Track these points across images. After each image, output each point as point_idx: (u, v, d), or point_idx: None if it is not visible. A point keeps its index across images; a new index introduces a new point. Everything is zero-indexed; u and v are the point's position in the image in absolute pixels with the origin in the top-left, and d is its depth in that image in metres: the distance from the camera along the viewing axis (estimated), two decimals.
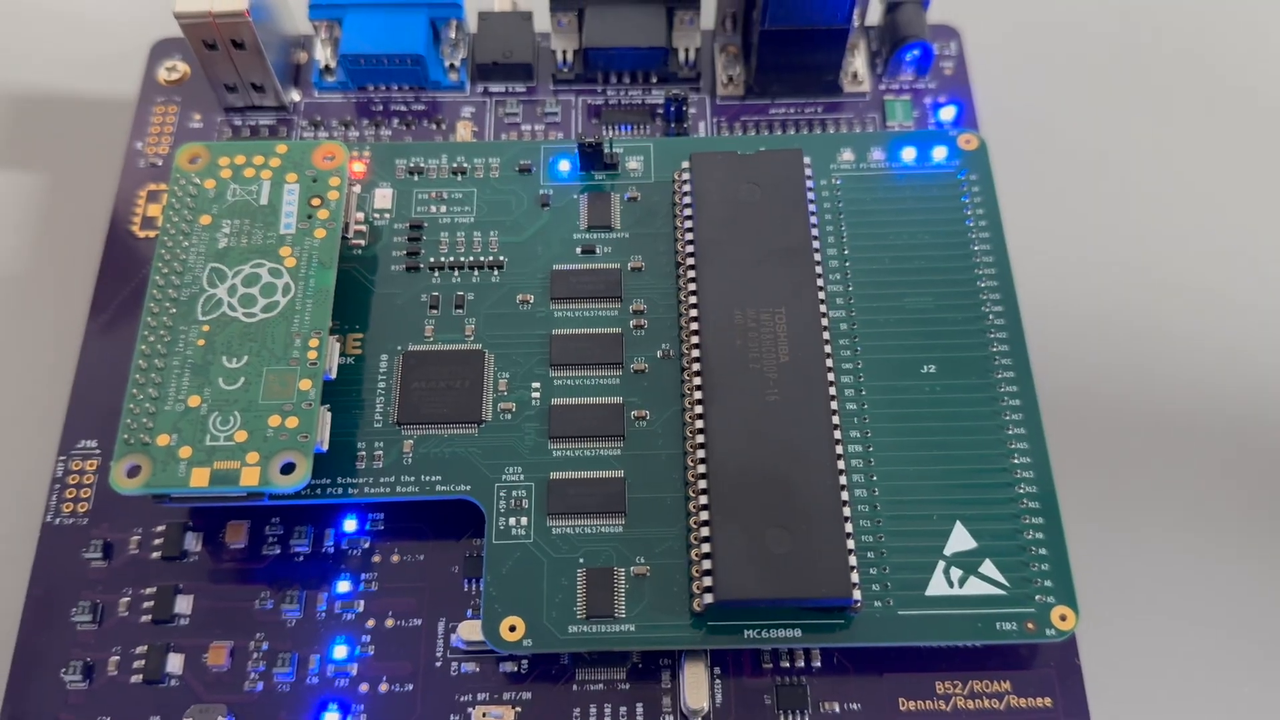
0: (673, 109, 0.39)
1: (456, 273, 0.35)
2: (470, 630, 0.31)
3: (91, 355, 0.36)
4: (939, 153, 0.37)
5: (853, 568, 0.30)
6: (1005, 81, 0.42)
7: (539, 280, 0.35)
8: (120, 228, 0.38)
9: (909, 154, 0.37)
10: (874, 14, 0.41)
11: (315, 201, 0.34)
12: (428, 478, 0.32)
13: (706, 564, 0.30)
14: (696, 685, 0.31)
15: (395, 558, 0.33)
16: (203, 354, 0.32)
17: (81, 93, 0.43)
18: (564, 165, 0.37)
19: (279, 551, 0.33)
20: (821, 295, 0.33)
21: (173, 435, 0.31)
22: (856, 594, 0.30)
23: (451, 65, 0.40)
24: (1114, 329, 0.38)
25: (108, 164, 0.40)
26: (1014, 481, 0.32)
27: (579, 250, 0.36)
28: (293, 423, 0.31)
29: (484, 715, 0.31)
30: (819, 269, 0.34)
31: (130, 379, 0.31)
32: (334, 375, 0.32)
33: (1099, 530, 0.34)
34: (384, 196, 0.36)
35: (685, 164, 0.36)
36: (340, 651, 0.31)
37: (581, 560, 0.31)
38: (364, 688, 0.31)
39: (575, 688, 0.31)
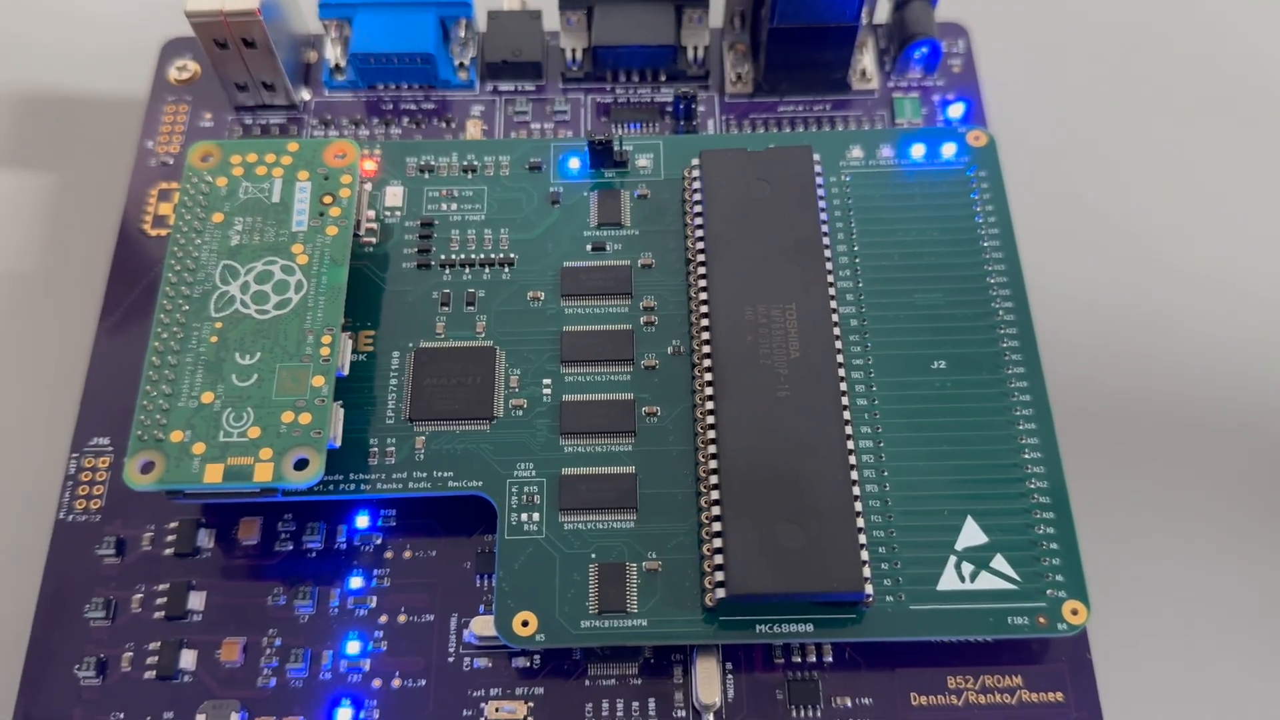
0: (682, 107, 0.39)
1: (467, 270, 0.35)
2: (483, 625, 0.31)
3: (103, 353, 0.36)
4: (948, 149, 0.37)
5: (864, 562, 0.30)
6: (1013, 79, 0.42)
7: (549, 277, 0.35)
8: (131, 226, 0.38)
9: (918, 151, 0.37)
10: (882, 11, 0.41)
11: (327, 199, 0.34)
12: (440, 474, 0.32)
13: (718, 559, 0.30)
14: (708, 680, 0.31)
15: (408, 553, 0.33)
16: (216, 350, 0.32)
17: (92, 92, 0.43)
18: (574, 163, 0.37)
19: (291, 548, 0.33)
20: (831, 291, 0.33)
21: (186, 431, 0.31)
22: (868, 588, 0.30)
23: (461, 64, 0.40)
24: (1124, 324, 0.38)
25: (119, 163, 0.40)
26: (1025, 476, 0.32)
27: (589, 247, 0.36)
28: (306, 419, 0.31)
29: (497, 710, 0.31)
30: (829, 265, 0.34)
31: (143, 375, 0.31)
32: (346, 372, 0.32)
33: (1110, 524, 0.34)
34: (395, 194, 0.37)
35: (695, 161, 0.36)
36: (353, 647, 0.32)
37: (593, 555, 0.31)
38: (377, 683, 0.31)
39: (588, 682, 0.31)
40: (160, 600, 0.32)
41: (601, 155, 0.37)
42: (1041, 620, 0.30)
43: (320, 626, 0.32)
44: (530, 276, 0.35)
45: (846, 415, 0.32)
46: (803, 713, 0.31)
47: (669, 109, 0.40)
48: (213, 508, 0.33)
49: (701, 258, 0.34)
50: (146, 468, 0.30)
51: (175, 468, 0.30)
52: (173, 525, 0.33)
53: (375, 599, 0.32)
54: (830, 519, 0.30)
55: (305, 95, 0.40)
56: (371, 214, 0.36)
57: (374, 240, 0.36)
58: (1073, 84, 0.43)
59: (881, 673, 0.31)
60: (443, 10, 0.39)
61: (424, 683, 0.31)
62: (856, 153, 0.37)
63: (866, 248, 0.35)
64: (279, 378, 0.31)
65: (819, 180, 0.35)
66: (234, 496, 0.31)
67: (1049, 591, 0.31)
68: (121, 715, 0.31)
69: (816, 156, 0.36)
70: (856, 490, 0.31)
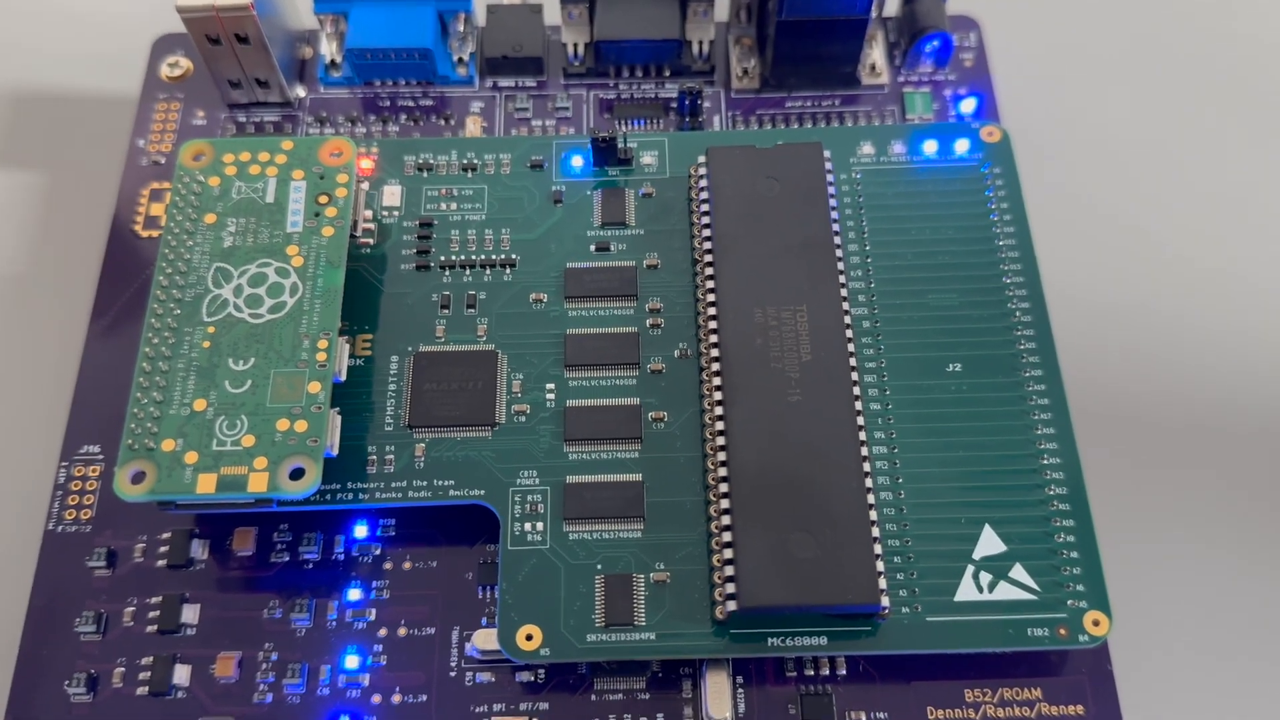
0: (687, 103, 0.38)
1: (468, 271, 0.34)
2: (486, 639, 0.30)
3: (93, 358, 0.35)
4: (961, 145, 0.36)
5: (880, 573, 0.29)
6: (1026, 73, 0.41)
7: (552, 279, 0.34)
8: (122, 227, 0.37)
9: (930, 147, 0.36)
10: (892, 5, 0.40)
11: (323, 199, 0.33)
12: (440, 482, 0.31)
13: (729, 570, 0.29)
14: (718, 694, 0.30)
15: (407, 564, 0.32)
16: (208, 356, 0.31)
17: (82, 90, 0.42)
18: (577, 161, 0.36)
19: (288, 559, 0.32)
20: (843, 292, 0.32)
21: (178, 440, 0.30)
22: (884, 600, 0.29)
23: (460, 59, 0.39)
24: (1144, 325, 0.37)
25: (109, 162, 0.39)
26: (1044, 483, 0.31)
27: (593, 248, 0.35)
28: (301, 426, 0.30)
29: None
30: (840, 265, 0.33)
31: (134, 382, 0.30)
32: (343, 377, 0.31)
33: (1132, 531, 0.34)
34: (392, 194, 0.36)
35: (701, 158, 0.35)
36: (352, 661, 0.31)
37: (599, 566, 0.30)
38: (376, 699, 0.30)
39: (594, 697, 0.30)
40: (153, 613, 0.31)
41: (605, 153, 0.36)
42: (1062, 631, 0.29)
43: (318, 640, 0.31)
44: (532, 278, 0.34)
45: (860, 420, 0.31)
46: None
47: (673, 105, 0.39)
48: (206, 518, 0.32)
49: (709, 258, 0.33)
50: (137, 478, 0.29)
51: (167, 478, 0.29)
52: (165, 536, 0.32)
53: (374, 611, 0.31)
54: (844, 528, 0.29)
55: (300, 92, 0.39)
56: (368, 214, 0.35)
57: (371, 241, 0.35)
58: (1086, 77, 0.42)
59: (897, 686, 0.30)
60: (441, 4, 0.38)
61: (425, 698, 0.30)
62: (867, 149, 0.36)
63: (878, 247, 0.34)
64: (274, 384, 0.31)
65: (829, 178, 0.34)
66: (228, 507, 0.30)
67: (1070, 602, 0.30)
68: None
69: (827, 153, 0.35)
70: (871, 498, 0.30)
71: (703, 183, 0.34)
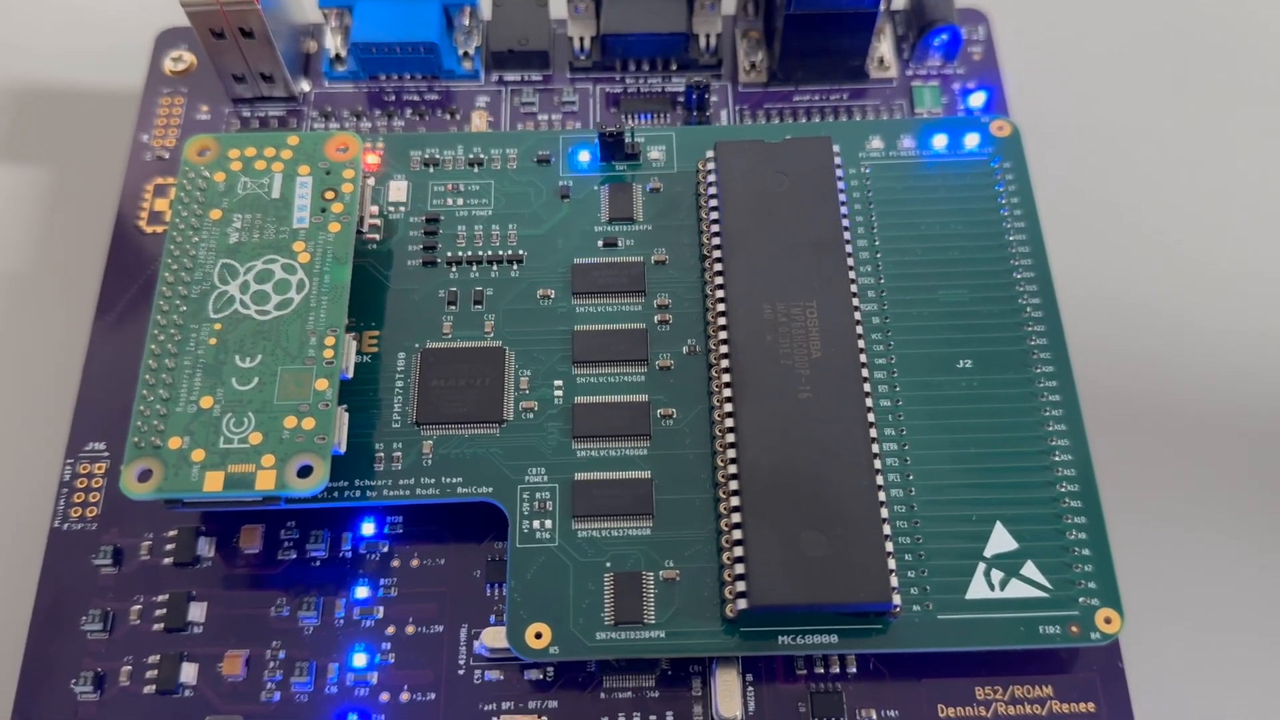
0: (694, 97, 0.38)
1: (475, 267, 0.34)
2: (494, 637, 0.30)
3: (98, 355, 0.35)
4: (971, 140, 0.36)
5: (891, 571, 0.29)
6: (1035, 66, 0.41)
7: (560, 274, 0.34)
8: (126, 223, 0.37)
9: (940, 141, 0.36)
10: None
11: (329, 195, 0.33)
12: (448, 479, 0.31)
13: (739, 568, 0.29)
14: (728, 692, 0.30)
15: (415, 561, 0.32)
16: (215, 353, 0.31)
17: (85, 84, 0.41)
18: (584, 156, 0.36)
19: (295, 556, 0.32)
20: (853, 288, 0.32)
21: (185, 438, 0.30)
22: (896, 599, 0.29)
23: (465, 53, 0.39)
24: (1156, 320, 0.37)
25: (113, 157, 0.39)
26: (1055, 480, 0.31)
27: (600, 243, 0.34)
28: (309, 424, 0.30)
29: None
30: (850, 261, 0.33)
31: (140, 379, 0.30)
32: (350, 374, 0.31)
33: (1144, 528, 0.33)
34: (399, 189, 0.35)
35: (710, 153, 0.35)
36: (360, 660, 0.30)
37: (608, 564, 0.30)
38: (385, 697, 0.30)
39: (603, 695, 0.30)
40: (159, 611, 0.31)
41: (612, 147, 0.35)
42: (1074, 629, 0.29)
43: (325, 638, 0.31)
44: (540, 274, 0.34)
45: (870, 418, 0.30)
46: None
47: (680, 99, 0.39)
48: (213, 515, 0.32)
49: (718, 253, 0.33)
50: (144, 476, 0.29)
51: (174, 476, 0.29)
52: (172, 534, 0.32)
53: (382, 609, 0.31)
54: (855, 526, 0.29)
55: (305, 86, 0.39)
56: (375, 209, 0.34)
57: (377, 237, 0.34)
58: (1096, 71, 0.41)
59: (907, 683, 0.30)
60: None
61: (433, 696, 0.30)
62: (876, 143, 0.36)
63: (888, 242, 0.34)
64: (281, 381, 0.30)
65: (838, 172, 0.34)
66: (235, 505, 0.30)
67: (1081, 599, 0.30)
68: None
69: (836, 148, 0.34)
70: (882, 495, 0.30)
71: (711, 177, 0.34)
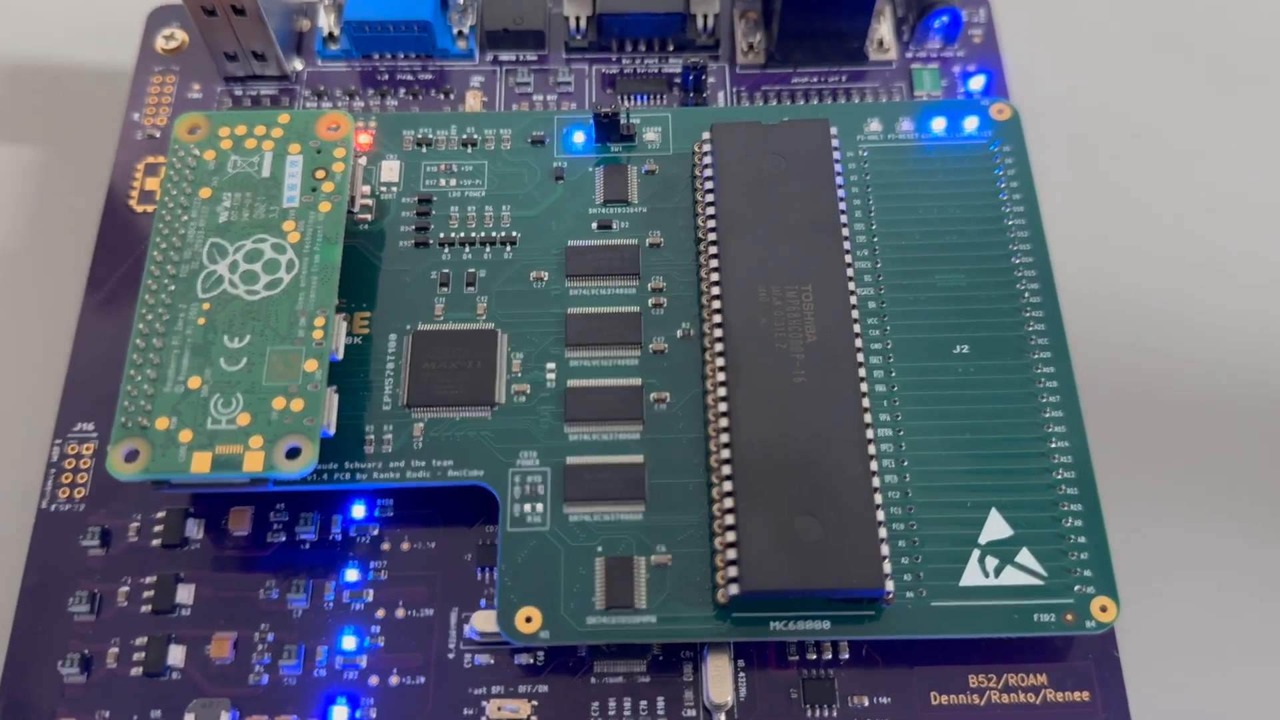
0: (691, 78, 0.37)
1: (467, 249, 0.34)
2: (485, 621, 0.30)
3: (88, 335, 0.34)
4: (970, 123, 0.35)
5: (884, 557, 0.28)
6: (1036, 50, 0.40)
7: (553, 257, 0.34)
8: (117, 202, 0.37)
9: (939, 124, 0.35)
10: None
11: (320, 174, 0.33)
12: (439, 463, 0.31)
13: (731, 553, 0.29)
14: (720, 678, 0.29)
15: (405, 545, 0.31)
16: (203, 333, 0.30)
17: (75, 62, 0.41)
18: (579, 137, 0.35)
19: (284, 539, 0.31)
20: (849, 272, 0.32)
21: (172, 418, 0.29)
22: (889, 585, 0.28)
23: (460, 32, 0.39)
24: (1154, 307, 0.36)
25: (104, 136, 0.39)
26: (1051, 466, 0.31)
27: (595, 225, 0.34)
28: (298, 405, 0.29)
29: (499, 709, 0.29)
30: (846, 245, 0.32)
31: (128, 359, 0.30)
32: (340, 356, 0.31)
33: (1140, 516, 0.33)
34: (391, 169, 0.35)
35: (706, 135, 0.34)
36: (349, 643, 0.30)
37: (600, 549, 0.30)
38: (374, 680, 0.30)
39: (594, 680, 0.30)
40: (147, 593, 0.31)
41: (607, 129, 0.35)
42: (1069, 617, 0.29)
43: (315, 621, 0.31)
44: (533, 256, 0.34)
45: (865, 403, 0.30)
46: (818, 712, 0.30)
47: (677, 80, 0.38)
48: (202, 497, 0.32)
49: (713, 236, 0.33)
50: (131, 456, 0.29)
51: (161, 457, 0.29)
52: (160, 515, 0.32)
53: (372, 592, 0.31)
54: (849, 511, 0.29)
55: (298, 65, 0.39)
56: (366, 189, 0.34)
57: (369, 217, 0.34)
58: (1097, 54, 0.41)
59: (900, 670, 0.30)
60: None
61: (423, 680, 0.30)
62: (875, 126, 0.35)
63: (885, 226, 0.34)
64: (270, 362, 0.30)
65: (836, 155, 0.34)
66: (223, 486, 0.30)
67: (1077, 587, 0.29)
68: (107, 714, 0.30)
69: (833, 130, 0.34)
70: (876, 481, 0.29)
71: (707, 159, 0.34)
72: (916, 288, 0.33)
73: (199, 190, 0.32)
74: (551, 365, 0.32)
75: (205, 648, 0.30)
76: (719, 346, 0.31)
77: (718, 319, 0.31)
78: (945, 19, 0.38)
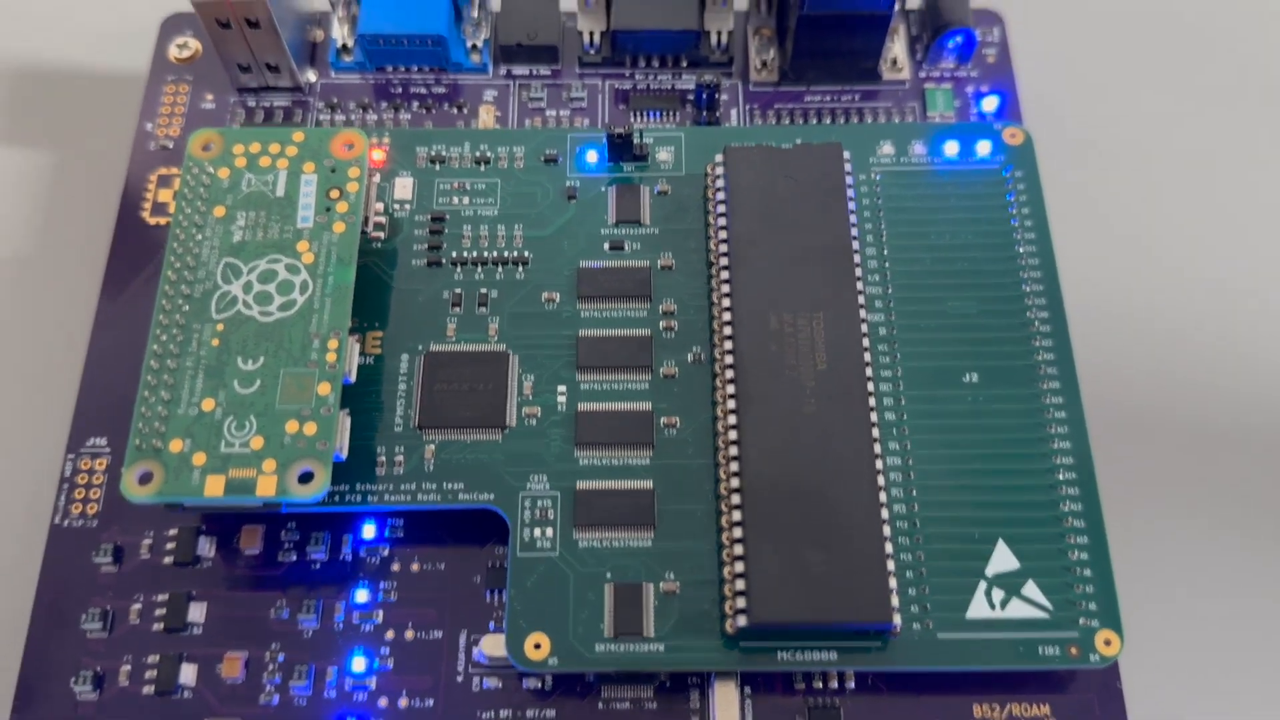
0: (704, 95, 0.37)
1: (479, 269, 0.34)
2: (493, 645, 0.30)
3: (101, 346, 0.35)
4: (983, 147, 0.35)
5: (892, 590, 0.29)
6: (1050, 71, 0.40)
7: (565, 278, 0.34)
8: (131, 212, 0.37)
9: (952, 148, 0.35)
10: None
11: (334, 193, 0.33)
12: (450, 485, 0.31)
13: (740, 584, 0.29)
14: (726, 705, 0.30)
15: (415, 566, 0.32)
16: (217, 354, 0.30)
17: (89, 67, 0.41)
18: (591, 156, 0.35)
19: (295, 558, 0.32)
20: (860, 299, 0.32)
21: (186, 440, 0.29)
22: (896, 619, 0.28)
23: (474, 46, 0.39)
24: (1166, 336, 0.36)
25: (118, 144, 0.39)
26: (1059, 498, 0.31)
27: (607, 246, 0.34)
28: (311, 429, 0.30)
29: None
30: (858, 270, 0.32)
31: (142, 380, 0.30)
32: (354, 378, 0.31)
33: (1145, 549, 0.33)
34: (404, 186, 0.35)
35: (718, 157, 0.34)
36: (359, 664, 0.30)
37: (609, 575, 0.30)
38: (383, 702, 0.30)
39: (601, 706, 0.30)
40: (159, 611, 0.31)
41: (620, 148, 0.35)
42: (1073, 651, 0.29)
43: (325, 641, 0.31)
44: (545, 276, 0.34)
45: (875, 433, 0.30)
46: None
47: (690, 97, 0.38)
48: (214, 516, 0.32)
49: (724, 260, 0.33)
50: (145, 478, 0.29)
51: (174, 480, 0.29)
52: (172, 533, 0.32)
53: (382, 613, 0.31)
54: (857, 543, 0.29)
55: (311, 77, 0.39)
56: (380, 207, 0.34)
57: (382, 235, 0.34)
58: (1111, 76, 0.41)
59: (905, 699, 0.30)
60: None
61: (431, 702, 0.30)
62: (887, 149, 0.35)
63: (897, 251, 0.34)
64: (283, 384, 0.30)
65: (848, 179, 0.34)
66: (236, 509, 0.30)
67: (1082, 620, 0.30)
68: None
69: (846, 154, 0.34)
70: (884, 512, 0.29)
71: (719, 182, 0.34)
72: (927, 314, 0.33)
73: (213, 208, 0.32)
74: (562, 388, 0.32)
75: (216, 666, 0.31)
76: (729, 374, 0.31)
77: (728, 345, 0.31)
78: (959, 39, 0.38)
